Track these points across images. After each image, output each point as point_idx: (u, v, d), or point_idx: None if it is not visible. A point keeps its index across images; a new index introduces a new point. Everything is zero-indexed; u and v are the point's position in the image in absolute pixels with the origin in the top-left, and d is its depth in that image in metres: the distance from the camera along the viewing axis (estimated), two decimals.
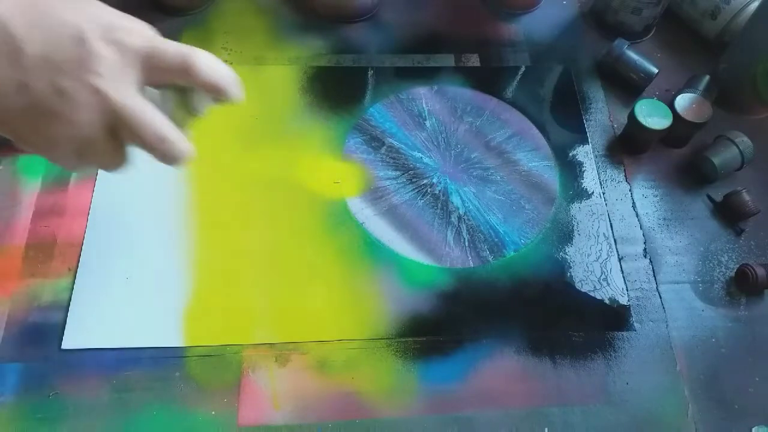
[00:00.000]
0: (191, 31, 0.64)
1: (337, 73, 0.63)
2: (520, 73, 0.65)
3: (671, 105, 0.58)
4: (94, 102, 0.32)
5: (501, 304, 0.51)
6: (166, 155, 0.35)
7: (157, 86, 0.35)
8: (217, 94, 0.36)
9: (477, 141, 0.60)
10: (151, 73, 0.33)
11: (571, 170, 0.59)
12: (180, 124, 0.36)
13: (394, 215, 0.55)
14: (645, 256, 0.55)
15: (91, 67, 0.31)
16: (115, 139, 0.34)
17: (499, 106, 0.62)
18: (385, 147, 0.59)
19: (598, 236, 0.55)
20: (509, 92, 0.63)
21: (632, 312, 0.52)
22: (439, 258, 0.53)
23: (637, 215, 0.57)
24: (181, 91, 0.36)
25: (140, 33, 0.33)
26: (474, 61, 0.65)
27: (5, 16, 0.30)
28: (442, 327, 0.50)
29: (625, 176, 0.59)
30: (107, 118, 0.32)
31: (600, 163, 0.60)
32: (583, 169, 0.59)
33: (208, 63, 0.34)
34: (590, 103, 0.63)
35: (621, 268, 0.54)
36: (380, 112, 0.61)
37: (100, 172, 0.54)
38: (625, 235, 0.56)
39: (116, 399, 0.45)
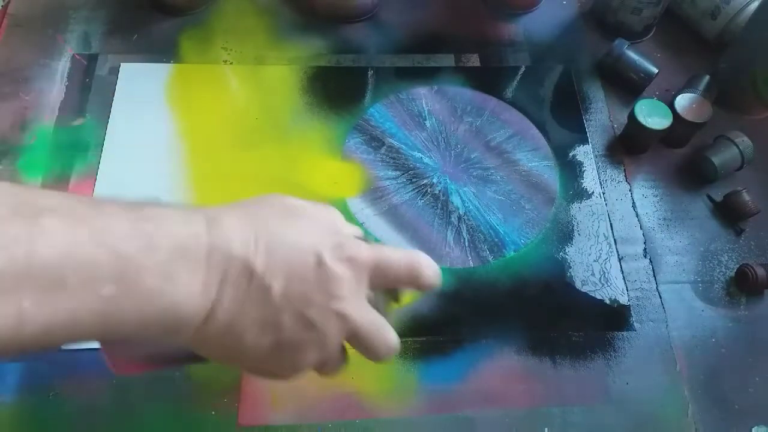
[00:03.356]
0: (191, 31, 0.64)
1: (337, 73, 0.63)
2: (520, 73, 0.65)
3: (671, 105, 0.58)
4: (338, 327, 0.31)
5: (501, 304, 0.51)
6: (385, 359, 0.34)
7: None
8: (429, 290, 0.35)
9: (477, 141, 0.60)
10: (377, 282, 0.33)
11: (571, 170, 0.59)
12: (390, 317, 0.36)
13: (394, 215, 0.55)
14: (645, 256, 0.55)
15: (334, 292, 0.30)
16: (341, 353, 0.34)
17: (499, 106, 0.62)
18: (385, 147, 0.59)
19: (598, 236, 0.55)
20: (509, 92, 0.63)
21: (632, 312, 0.52)
22: (439, 258, 0.53)
23: (637, 215, 0.57)
24: (391, 290, 0.36)
25: (366, 245, 0.33)
26: (474, 61, 0.65)
27: (246, 253, 0.29)
28: (442, 327, 0.50)
29: (625, 176, 0.59)
30: (344, 337, 0.32)
31: (600, 163, 0.60)
32: (583, 169, 0.59)
33: (431, 268, 0.34)
34: (590, 103, 0.63)
35: (621, 268, 0.54)
36: (380, 112, 0.61)
37: (100, 172, 0.54)
38: (625, 235, 0.56)
39: (116, 399, 0.45)
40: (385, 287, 0.34)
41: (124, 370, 0.36)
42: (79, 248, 0.24)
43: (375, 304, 0.34)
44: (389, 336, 0.33)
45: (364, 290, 0.33)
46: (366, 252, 0.32)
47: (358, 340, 0.32)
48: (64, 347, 0.46)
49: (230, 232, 0.29)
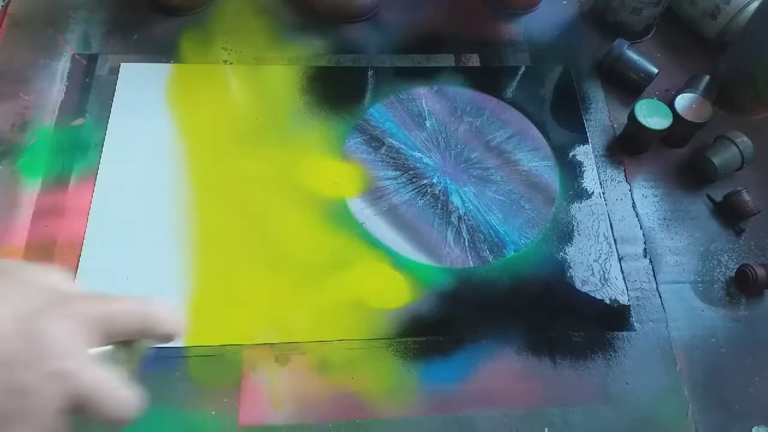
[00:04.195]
0: (191, 31, 0.64)
1: (337, 73, 0.63)
2: (520, 73, 0.65)
3: (671, 105, 0.58)
4: (54, 388, 0.27)
5: (501, 304, 0.51)
6: (122, 422, 0.30)
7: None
8: (168, 340, 0.32)
9: (477, 141, 0.60)
10: (105, 336, 0.30)
11: (571, 170, 0.59)
12: (128, 372, 0.33)
13: (394, 215, 0.55)
14: (645, 256, 0.55)
15: (46, 350, 0.27)
16: (67, 414, 0.29)
17: (499, 106, 0.62)
18: (385, 147, 0.59)
19: (598, 236, 0.55)
20: (509, 92, 0.63)
21: (632, 312, 0.52)
22: (439, 258, 0.53)
23: (637, 215, 0.57)
24: (126, 342, 0.32)
25: (89, 299, 0.30)
26: (474, 61, 0.65)
27: None
28: (442, 327, 0.50)
29: (625, 176, 0.59)
30: (71, 400, 0.28)
31: (600, 163, 0.60)
32: (583, 169, 0.59)
33: (167, 318, 0.32)
34: (590, 103, 0.63)
35: (621, 268, 0.54)
36: (380, 112, 0.61)
37: (100, 172, 0.54)
38: (625, 235, 0.56)
39: None
40: (116, 340, 0.31)
41: None
42: None
43: (109, 360, 0.31)
44: (123, 394, 0.30)
45: (88, 345, 0.29)
46: (89, 305, 0.29)
47: (87, 402, 0.28)
48: None
49: None
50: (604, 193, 0.58)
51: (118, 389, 0.29)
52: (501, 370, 0.48)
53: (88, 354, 0.29)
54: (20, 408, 0.27)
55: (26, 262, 0.30)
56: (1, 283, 0.28)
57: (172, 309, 0.32)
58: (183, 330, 0.32)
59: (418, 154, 0.58)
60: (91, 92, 0.59)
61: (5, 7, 0.63)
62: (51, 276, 0.30)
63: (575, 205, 0.57)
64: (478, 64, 0.65)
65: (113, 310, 0.30)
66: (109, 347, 0.31)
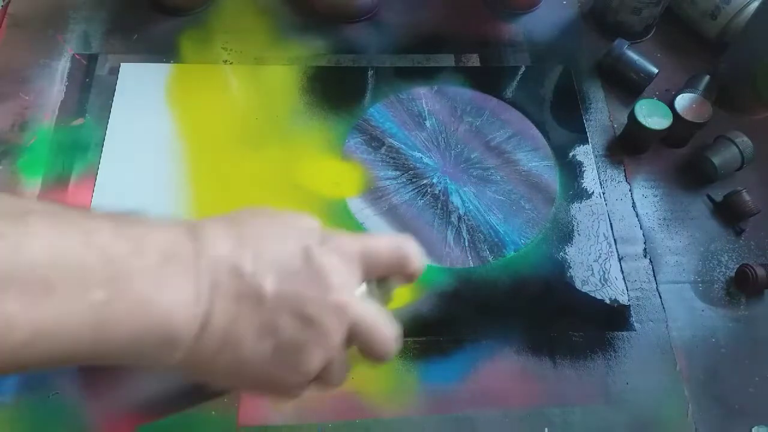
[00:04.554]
0: (191, 31, 0.64)
1: (337, 73, 0.63)
2: (520, 73, 0.65)
3: (671, 105, 0.58)
4: (338, 320, 0.30)
5: (501, 304, 0.51)
6: (389, 356, 0.33)
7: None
8: (412, 280, 0.35)
9: (477, 141, 0.60)
10: (368, 271, 0.32)
11: (571, 170, 0.59)
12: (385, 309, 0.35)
13: (394, 215, 0.55)
14: (645, 256, 0.55)
15: (328, 284, 0.29)
16: (346, 350, 0.32)
17: (499, 106, 0.62)
18: (385, 147, 0.59)
19: (598, 236, 0.55)
20: (509, 92, 0.63)
21: (632, 312, 0.52)
22: (439, 258, 0.53)
23: (637, 215, 0.57)
24: (380, 280, 0.35)
25: (349, 235, 0.32)
26: (474, 61, 0.65)
27: (232, 255, 0.28)
28: (442, 327, 0.50)
29: (625, 176, 0.59)
30: (348, 332, 0.31)
31: (600, 163, 0.60)
32: (583, 169, 0.59)
33: (417, 254, 0.34)
34: (590, 103, 0.63)
35: (621, 268, 0.54)
36: (380, 112, 0.61)
37: (100, 172, 0.54)
38: (625, 235, 0.56)
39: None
40: (376, 276, 0.33)
41: (122, 429, 0.33)
42: (67, 250, 0.24)
43: (371, 298, 0.33)
44: (391, 327, 0.32)
45: (357, 281, 0.32)
46: (352, 241, 0.32)
47: (360, 333, 0.31)
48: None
49: (215, 238, 0.28)
50: (604, 193, 0.58)
51: (385, 323, 0.32)
52: (501, 370, 0.48)
53: (359, 289, 0.32)
54: (310, 336, 0.29)
55: (279, 210, 0.32)
56: (278, 224, 0.30)
57: (416, 247, 0.34)
58: (424, 267, 0.34)
59: (418, 154, 0.58)
60: (91, 92, 0.59)
61: (5, 7, 0.63)
62: (310, 217, 0.32)
63: (575, 205, 0.57)
64: (478, 64, 0.65)
65: (373, 245, 0.32)
66: (369, 284, 0.33)
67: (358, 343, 0.31)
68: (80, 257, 0.24)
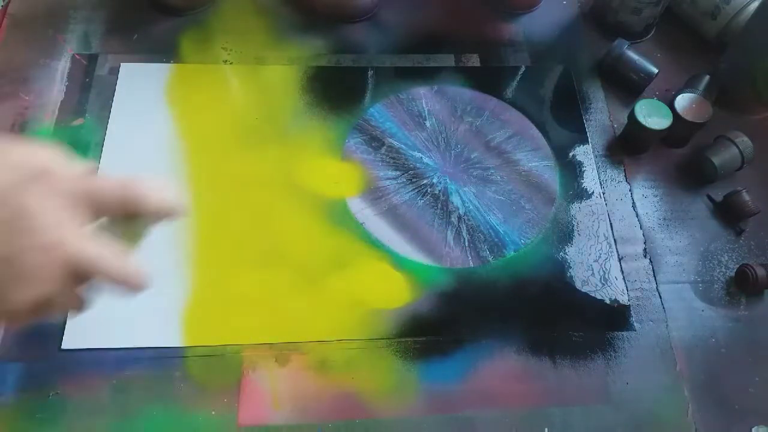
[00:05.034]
0: (191, 31, 0.64)
1: (337, 73, 0.63)
2: (520, 73, 0.65)
3: (671, 105, 0.58)
4: (46, 258, 0.29)
5: (501, 304, 0.51)
6: (133, 288, 0.33)
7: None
8: (162, 217, 0.34)
9: (477, 141, 0.60)
10: (95, 211, 0.32)
11: (571, 170, 0.59)
12: (129, 247, 0.35)
13: (394, 215, 0.55)
14: (645, 256, 0.55)
15: (31, 224, 0.29)
16: (75, 283, 0.32)
17: (499, 106, 0.62)
18: (385, 147, 0.59)
19: (598, 236, 0.55)
20: (509, 92, 0.63)
21: (632, 312, 0.52)
22: (439, 258, 0.53)
23: (637, 215, 0.57)
24: (120, 220, 0.34)
25: (70, 173, 0.31)
26: (474, 61, 0.65)
27: None
28: (442, 327, 0.50)
29: (625, 176, 0.59)
30: (68, 268, 0.31)
31: (600, 163, 0.60)
32: (583, 169, 0.59)
33: (152, 193, 0.33)
34: (590, 103, 0.63)
35: (621, 268, 0.54)
36: (380, 112, 0.61)
37: (100, 172, 0.54)
38: (625, 235, 0.56)
39: (116, 399, 0.45)
40: (105, 215, 0.33)
41: None
42: None
43: (107, 232, 0.33)
44: (123, 260, 0.32)
45: (80, 220, 0.31)
46: (69, 183, 0.31)
47: (86, 266, 0.31)
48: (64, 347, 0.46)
49: None
50: (604, 193, 0.58)
51: (119, 255, 0.32)
52: (501, 370, 0.48)
53: (82, 227, 0.31)
54: (12, 276, 0.29)
55: (13, 141, 0.31)
56: None
57: (158, 186, 0.33)
58: (172, 206, 0.34)
59: (418, 154, 0.58)
60: (91, 92, 0.59)
61: (5, 7, 0.63)
62: (38, 154, 0.31)
63: (575, 205, 0.57)
64: (478, 64, 0.65)
65: (96, 186, 0.32)
66: (104, 220, 0.33)
67: (91, 275, 0.32)
68: None
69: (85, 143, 0.56)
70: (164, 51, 0.62)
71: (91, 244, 0.31)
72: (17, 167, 0.30)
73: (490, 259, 0.53)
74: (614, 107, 0.63)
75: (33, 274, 0.30)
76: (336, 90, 0.62)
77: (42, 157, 0.31)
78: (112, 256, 0.32)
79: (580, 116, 0.62)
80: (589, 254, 0.54)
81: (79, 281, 0.32)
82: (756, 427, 0.47)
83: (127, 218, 0.34)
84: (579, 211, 0.57)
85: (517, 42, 0.67)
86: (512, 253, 0.54)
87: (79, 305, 0.34)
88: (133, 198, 0.33)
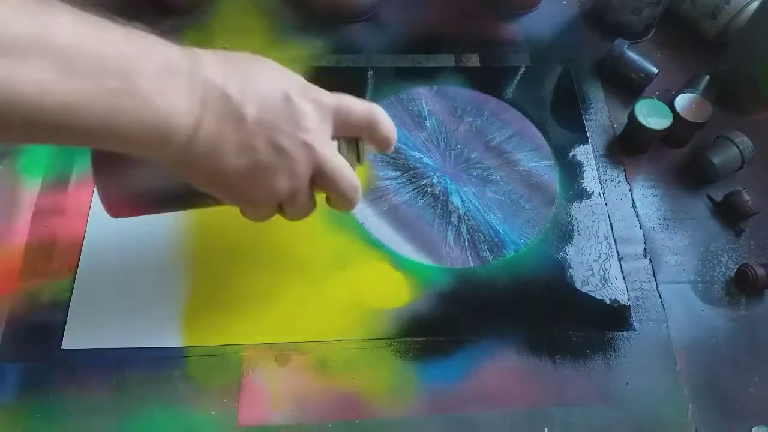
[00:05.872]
0: (191, 31, 0.64)
1: (337, 73, 0.63)
2: (520, 73, 0.65)
3: (671, 105, 0.58)
4: (306, 156, 0.35)
5: (501, 304, 0.51)
6: (351, 204, 0.39)
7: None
8: (385, 147, 0.40)
9: (477, 141, 0.60)
10: (340, 128, 0.37)
11: (571, 170, 0.59)
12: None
13: (394, 215, 0.55)
14: (645, 256, 0.55)
15: (301, 123, 0.34)
16: (311, 189, 0.38)
17: (499, 106, 0.62)
18: None
19: (598, 236, 0.55)
20: (509, 92, 0.63)
21: (632, 312, 0.52)
22: (439, 258, 0.53)
23: (637, 215, 0.57)
24: (351, 141, 0.39)
25: (327, 92, 0.37)
26: (474, 61, 0.65)
27: (221, 81, 0.32)
28: (442, 327, 0.50)
29: (625, 176, 0.59)
30: (312, 170, 0.36)
31: (600, 163, 0.60)
32: (583, 169, 0.59)
33: (387, 120, 0.39)
34: (590, 103, 0.63)
35: (621, 268, 0.54)
36: None
37: None
38: (625, 235, 0.56)
39: (116, 399, 0.45)
40: (346, 133, 0.38)
41: (120, 211, 0.39)
42: (87, 36, 0.28)
43: (340, 152, 0.38)
44: (354, 178, 0.37)
45: (329, 131, 0.36)
46: (329, 96, 0.37)
47: (324, 175, 0.36)
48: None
49: (208, 63, 0.32)
50: (604, 193, 0.58)
51: (350, 172, 0.37)
52: (501, 370, 0.48)
53: (330, 138, 0.37)
54: (281, 163, 0.34)
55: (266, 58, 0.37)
56: (265, 66, 0.36)
57: (389, 120, 0.39)
58: (395, 135, 0.40)
59: (418, 154, 0.58)
60: None
61: None
62: (289, 71, 0.37)
63: (575, 205, 0.57)
64: (478, 64, 0.65)
65: (348, 103, 0.38)
66: (340, 141, 0.39)
67: (323, 183, 0.37)
68: (97, 45, 0.29)
69: None
70: None
71: (335, 156, 0.36)
72: (290, 77, 0.36)
73: (490, 259, 0.53)
74: (614, 107, 0.63)
75: (294, 166, 0.35)
76: (336, 90, 0.61)
77: (298, 75, 0.37)
78: (348, 172, 0.37)
79: (580, 116, 0.62)
80: (589, 254, 0.54)
81: (313, 188, 0.37)
82: (756, 427, 0.47)
83: (351, 143, 0.39)
84: (579, 211, 0.57)
85: (517, 42, 0.67)
86: (512, 253, 0.54)
87: (312, 208, 0.39)
88: (375, 122, 0.38)
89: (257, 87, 0.34)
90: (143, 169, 0.38)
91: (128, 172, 0.38)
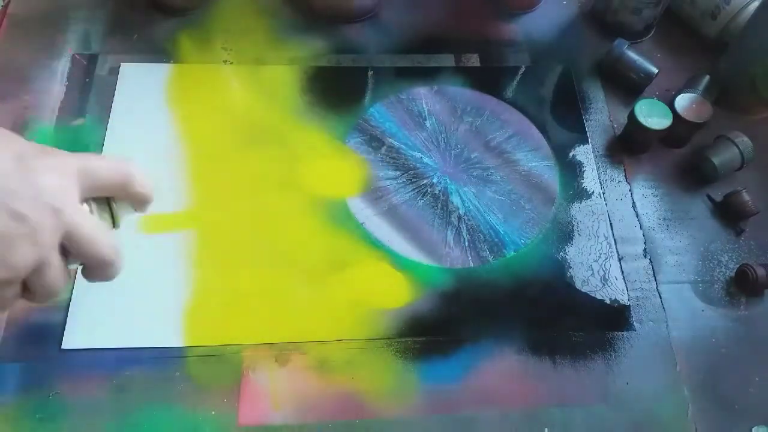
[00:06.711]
0: (191, 31, 0.64)
1: (337, 73, 0.63)
2: (520, 73, 0.65)
3: (671, 105, 0.58)
4: (51, 221, 0.31)
5: (501, 304, 0.51)
6: (114, 268, 0.35)
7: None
8: (142, 205, 0.37)
9: (477, 141, 0.60)
10: (89, 190, 0.34)
11: (571, 170, 0.59)
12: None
13: (394, 215, 0.55)
14: (645, 256, 0.55)
15: (42, 186, 0.31)
16: (62, 259, 0.33)
17: (499, 106, 0.62)
18: (385, 147, 0.59)
19: (598, 236, 0.55)
20: (509, 92, 0.63)
21: (632, 312, 0.52)
22: (439, 258, 0.53)
23: (637, 215, 0.57)
24: (103, 202, 0.36)
25: (69, 153, 0.33)
26: (474, 61, 0.65)
27: None
28: (442, 327, 0.50)
29: (625, 176, 0.59)
30: (61, 237, 0.32)
31: (600, 163, 0.60)
32: (583, 169, 0.59)
33: (141, 176, 0.35)
34: (590, 103, 0.63)
35: (621, 268, 0.54)
36: (380, 112, 0.61)
37: None
38: (625, 235, 0.56)
39: (116, 399, 0.45)
40: (97, 194, 0.35)
41: None
42: None
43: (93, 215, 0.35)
44: (112, 238, 0.34)
45: (76, 194, 0.33)
46: (70, 158, 0.33)
47: (76, 240, 0.32)
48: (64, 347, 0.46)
49: None
50: (604, 193, 0.58)
51: (104, 235, 0.33)
52: (501, 370, 0.48)
53: (78, 201, 0.33)
54: (20, 231, 0.30)
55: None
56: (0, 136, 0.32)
57: (143, 174, 0.36)
58: (150, 195, 0.36)
59: (418, 154, 0.58)
60: (91, 92, 0.59)
61: (5, 7, 0.63)
62: (20, 138, 0.33)
63: (575, 205, 0.57)
64: (478, 64, 0.65)
65: (92, 163, 0.34)
66: (93, 202, 0.35)
67: (76, 250, 0.33)
68: None
69: (85, 143, 0.56)
70: (164, 51, 0.62)
71: (87, 220, 0.33)
72: (21, 143, 0.32)
73: (490, 259, 0.53)
74: (614, 107, 0.63)
75: (38, 233, 0.31)
76: (336, 90, 0.62)
77: (31, 142, 0.33)
78: (104, 234, 0.33)
79: (580, 116, 0.62)
80: (589, 254, 0.54)
81: (63, 255, 0.33)
82: (756, 427, 0.47)
83: (104, 204, 0.35)
84: (579, 211, 0.57)
85: (517, 42, 0.67)
86: (512, 253, 0.54)
87: (65, 281, 0.35)
88: (127, 180, 0.35)
89: None
90: None
91: None
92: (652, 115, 0.57)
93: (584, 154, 0.60)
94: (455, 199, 0.56)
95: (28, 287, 0.33)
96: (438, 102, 0.62)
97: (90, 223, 0.33)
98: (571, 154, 0.60)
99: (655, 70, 0.62)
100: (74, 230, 0.32)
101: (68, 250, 0.33)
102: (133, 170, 0.35)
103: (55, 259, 0.32)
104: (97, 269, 0.34)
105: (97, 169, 0.34)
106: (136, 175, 0.35)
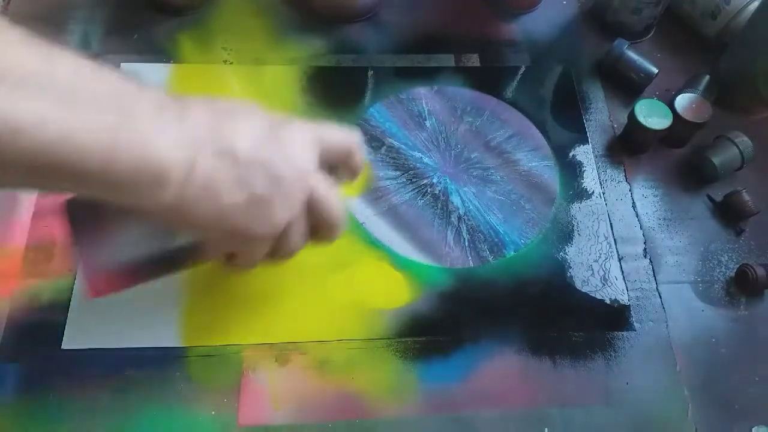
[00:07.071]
0: (191, 31, 0.64)
1: (337, 73, 0.63)
2: (520, 73, 0.65)
3: (671, 105, 0.58)
4: (300, 184, 0.35)
5: (501, 304, 0.51)
6: (338, 231, 0.39)
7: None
8: (355, 177, 0.41)
9: (477, 141, 0.60)
10: (322, 156, 0.37)
11: (571, 170, 0.59)
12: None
13: (394, 215, 0.55)
14: (645, 256, 0.55)
15: (292, 152, 0.35)
16: (303, 218, 0.38)
17: (499, 106, 0.62)
18: (385, 147, 0.59)
19: (598, 236, 0.55)
20: (509, 92, 0.63)
21: (632, 312, 0.52)
22: (439, 258, 0.53)
23: (637, 215, 0.57)
24: (326, 170, 0.39)
25: (306, 122, 0.37)
26: (474, 61, 0.65)
27: (211, 122, 0.33)
28: (442, 327, 0.50)
29: (625, 176, 0.59)
30: (306, 198, 0.36)
31: (600, 163, 0.60)
32: (583, 169, 0.59)
33: (362, 150, 0.41)
34: (590, 103, 0.63)
35: (621, 268, 0.54)
36: (380, 112, 0.61)
37: None
38: (625, 235, 0.56)
39: (116, 399, 0.45)
40: (327, 161, 0.38)
41: (103, 287, 0.38)
42: (84, 75, 0.29)
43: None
44: (341, 205, 0.38)
45: (317, 160, 0.37)
46: (310, 127, 0.37)
47: (316, 201, 0.37)
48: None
49: (194, 106, 0.33)
50: (604, 193, 0.58)
51: (337, 200, 0.38)
52: (501, 370, 0.48)
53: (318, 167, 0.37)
54: (279, 194, 0.34)
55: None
56: (245, 107, 0.36)
57: (360, 146, 0.41)
58: (362, 170, 0.42)
59: (418, 154, 0.58)
60: None
61: (5, 6, 0.63)
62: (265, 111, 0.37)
63: (575, 205, 0.57)
64: (478, 64, 0.65)
65: (329, 132, 0.38)
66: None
67: (316, 211, 0.37)
68: (94, 84, 0.29)
69: None
70: (164, 51, 0.62)
71: (326, 183, 0.37)
72: (271, 113, 0.36)
73: (490, 259, 0.53)
74: (614, 107, 0.63)
75: (291, 195, 0.35)
76: (336, 90, 0.62)
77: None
78: (336, 200, 0.38)
79: (580, 116, 0.62)
80: (589, 254, 0.54)
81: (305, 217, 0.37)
82: (756, 427, 0.47)
83: (326, 170, 0.39)
84: (579, 211, 0.57)
85: (517, 42, 0.67)
86: (512, 253, 0.54)
87: (302, 244, 0.39)
88: (352, 150, 0.39)
89: (245, 123, 0.34)
90: (126, 235, 0.37)
91: (110, 240, 0.37)
92: (652, 115, 0.57)
93: (584, 154, 0.60)
94: (455, 199, 0.56)
95: (274, 248, 0.38)
96: (438, 102, 0.62)
97: (327, 188, 0.37)
98: (571, 154, 0.60)
99: (655, 70, 0.62)
100: (317, 192, 0.36)
101: (308, 210, 0.37)
102: (357, 144, 0.40)
103: (302, 217, 0.37)
104: (327, 231, 0.39)
105: (331, 138, 0.38)
106: (358, 149, 0.40)
